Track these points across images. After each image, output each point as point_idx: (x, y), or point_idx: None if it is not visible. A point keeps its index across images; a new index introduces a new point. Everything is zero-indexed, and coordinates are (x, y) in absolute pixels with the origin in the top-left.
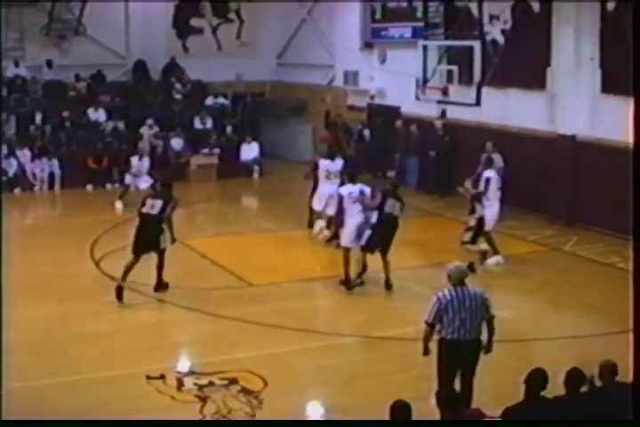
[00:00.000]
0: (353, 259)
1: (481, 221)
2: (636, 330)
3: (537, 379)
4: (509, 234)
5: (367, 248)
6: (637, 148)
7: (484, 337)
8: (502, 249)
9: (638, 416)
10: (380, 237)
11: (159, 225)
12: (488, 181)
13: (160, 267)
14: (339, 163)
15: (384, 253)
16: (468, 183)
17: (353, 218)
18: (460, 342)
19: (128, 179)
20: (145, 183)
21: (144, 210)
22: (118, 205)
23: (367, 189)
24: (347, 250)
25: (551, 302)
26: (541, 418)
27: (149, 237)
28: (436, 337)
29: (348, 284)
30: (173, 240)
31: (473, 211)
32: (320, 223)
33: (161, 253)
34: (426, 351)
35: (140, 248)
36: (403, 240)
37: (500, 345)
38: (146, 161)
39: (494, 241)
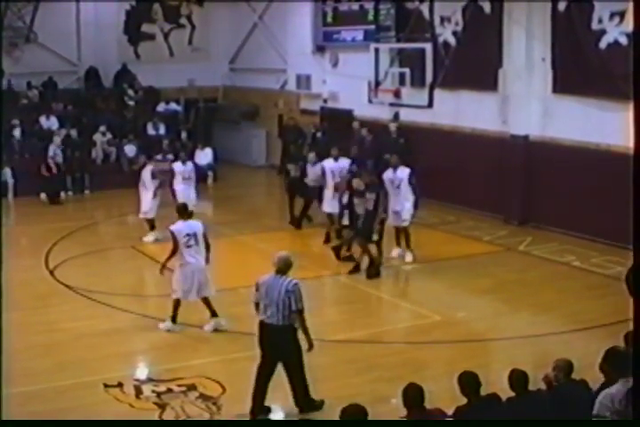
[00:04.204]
0: None
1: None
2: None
3: (468, 381)
4: (465, 235)
5: None
6: (637, 153)
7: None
8: (459, 250)
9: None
10: None
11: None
12: None
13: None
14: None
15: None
16: None
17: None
18: (264, 325)
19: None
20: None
21: None
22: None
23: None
24: None
25: (507, 301)
26: (494, 418)
27: None
28: None
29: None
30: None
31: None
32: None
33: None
34: None
35: None
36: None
37: (457, 346)
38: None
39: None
